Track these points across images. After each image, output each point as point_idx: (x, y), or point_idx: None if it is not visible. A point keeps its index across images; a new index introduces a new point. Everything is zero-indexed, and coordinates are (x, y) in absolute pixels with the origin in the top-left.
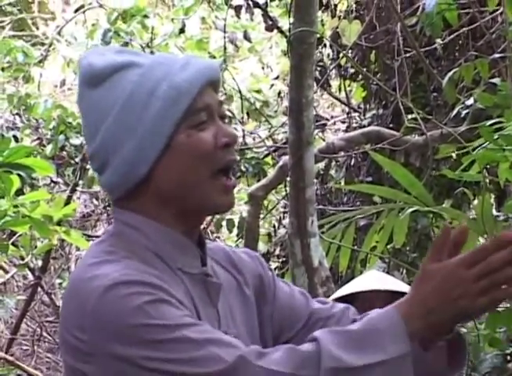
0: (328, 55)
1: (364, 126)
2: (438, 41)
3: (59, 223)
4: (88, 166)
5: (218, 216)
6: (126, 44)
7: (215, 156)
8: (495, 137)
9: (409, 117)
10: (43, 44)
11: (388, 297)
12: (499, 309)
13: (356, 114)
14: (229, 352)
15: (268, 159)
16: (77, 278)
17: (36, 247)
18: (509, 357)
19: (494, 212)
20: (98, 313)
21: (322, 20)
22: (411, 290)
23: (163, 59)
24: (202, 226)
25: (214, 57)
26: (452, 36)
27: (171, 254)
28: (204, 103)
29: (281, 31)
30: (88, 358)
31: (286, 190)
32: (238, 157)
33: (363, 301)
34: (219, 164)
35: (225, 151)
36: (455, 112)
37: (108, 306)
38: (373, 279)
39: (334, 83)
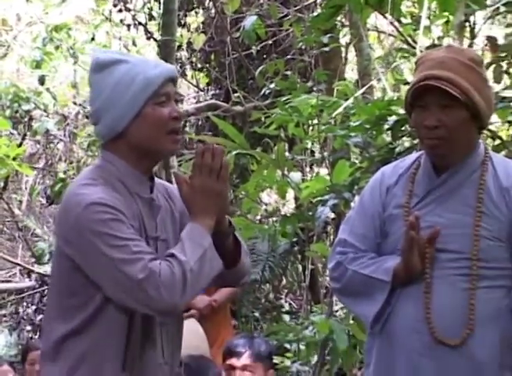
0: (185, 55)
1: (207, 100)
2: (254, 47)
3: (14, 159)
4: (32, 123)
5: None
6: (57, 46)
7: (168, 123)
8: (286, 107)
9: (235, 95)
10: (3, 46)
11: None
12: (287, 215)
13: (202, 93)
14: (151, 259)
15: None
16: (71, 191)
17: None
18: (295, 244)
19: (286, 154)
20: (79, 220)
21: (181, 34)
22: (192, 210)
23: (143, 60)
24: None
25: None
26: (262, 44)
27: (132, 184)
28: (165, 90)
29: (155, 40)
30: (70, 244)
31: None
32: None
33: None
34: (170, 128)
35: (175, 121)
36: (263, 92)
37: (85, 217)
38: None
39: (189, 73)
